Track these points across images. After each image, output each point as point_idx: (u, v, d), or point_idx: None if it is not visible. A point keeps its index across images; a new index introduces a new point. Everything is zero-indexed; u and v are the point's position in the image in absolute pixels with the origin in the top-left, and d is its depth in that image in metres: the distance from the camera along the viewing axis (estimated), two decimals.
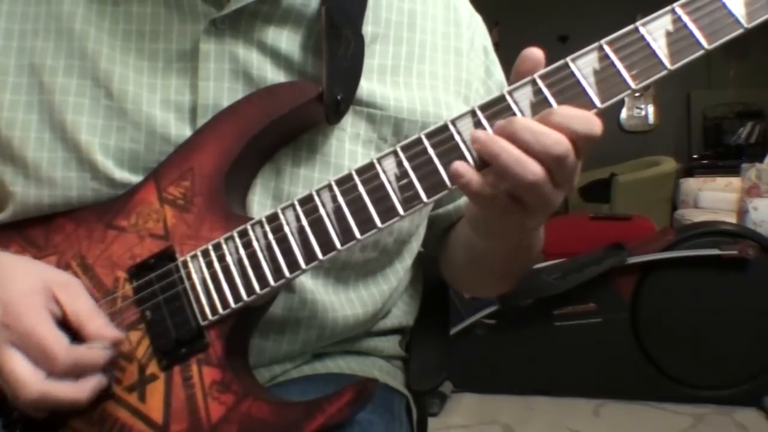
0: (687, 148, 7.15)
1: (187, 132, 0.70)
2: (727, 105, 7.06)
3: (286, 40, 0.72)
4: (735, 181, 5.16)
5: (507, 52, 0.87)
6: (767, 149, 5.94)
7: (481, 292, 0.94)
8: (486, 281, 0.86)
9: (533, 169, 0.55)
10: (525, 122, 0.56)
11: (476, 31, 0.85)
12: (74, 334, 0.62)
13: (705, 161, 6.69)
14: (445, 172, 0.60)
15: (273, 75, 0.71)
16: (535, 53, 0.59)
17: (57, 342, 0.60)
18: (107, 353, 0.62)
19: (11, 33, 0.72)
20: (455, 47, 0.81)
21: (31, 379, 0.59)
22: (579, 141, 0.55)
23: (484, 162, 0.58)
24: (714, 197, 5.29)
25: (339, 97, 0.69)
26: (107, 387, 0.65)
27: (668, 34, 0.59)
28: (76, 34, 0.71)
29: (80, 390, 0.60)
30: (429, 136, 0.61)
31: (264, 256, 0.64)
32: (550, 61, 0.60)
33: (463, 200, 0.84)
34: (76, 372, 0.60)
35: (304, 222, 0.63)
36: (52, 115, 0.70)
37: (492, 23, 0.90)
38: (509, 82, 0.61)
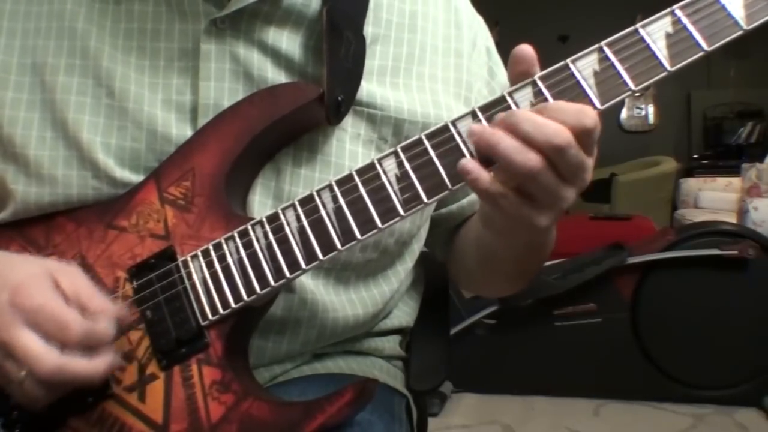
0: (687, 148, 7.15)
1: (188, 132, 0.70)
2: (727, 105, 7.06)
3: (287, 40, 0.72)
4: (735, 181, 5.16)
5: (507, 52, 0.87)
6: (767, 149, 5.94)
7: (492, 291, 0.94)
8: (497, 280, 0.85)
9: (532, 156, 0.55)
10: (526, 114, 0.56)
11: (478, 32, 0.85)
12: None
13: (705, 161, 6.69)
14: (446, 172, 0.60)
15: (273, 75, 0.71)
16: (526, 51, 0.59)
17: (69, 313, 0.59)
18: (112, 329, 0.61)
19: (14, 32, 0.72)
20: (455, 49, 0.81)
21: (46, 353, 0.58)
22: (576, 133, 0.55)
23: (484, 160, 0.58)
24: (714, 197, 5.29)
25: (340, 98, 0.69)
26: (107, 385, 0.65)
27: (668, 35, 0.59)
28: (78, 32, 0.71)
29: (95, 365, 0.60)
30: (429, 136, 0.61)
31: (264, 256, 0.64)
32: (550, 60, 0.60)
33: (467, 200, 0.84)
34: (89, 345, 0.60)
35: (305, 222, 0.63)
36: (53, 114, 0.70)
37: (492, 23, 0.90)
38: (509, 84, 0.61)
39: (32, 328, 0.58)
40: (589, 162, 0.58)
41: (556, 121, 0.55)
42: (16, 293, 0.59)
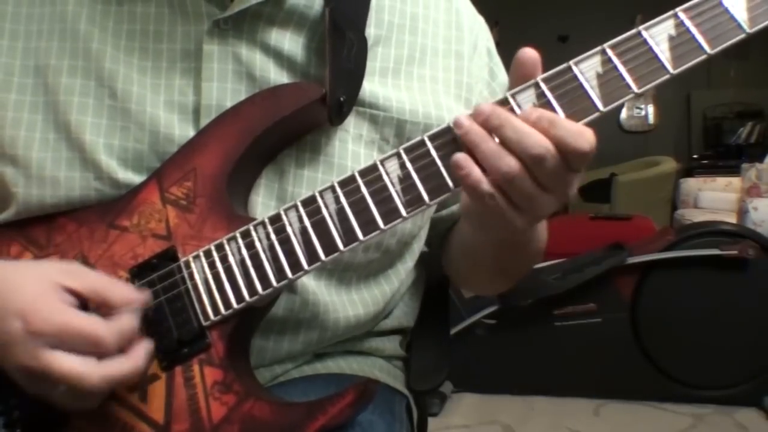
0: (687, 148, 7.15)
1: (190, 133, 0.70)
2: (727, 105, 7.06)
3: (289, 41, 0.72)
4: (735, 181, 5.16)
5: (507, 52, 0.87)
6: (767, 149, 5.93)
7: (477, 287, 0.94)
8: (478, 276, 0.85)
9: (509, 162, 0.56)
10: (510, 118, 0.57)
11: (480, 33, 0.85)
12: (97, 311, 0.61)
13: (705, 161, 6.68)
14: (448, 174, 0.60)
15: (276, 76, 0.71)
16: (530, 54, 0.60)
17: (95, 324, 0.59)
18: (138, 315, 0.61)
19: (16, 34, 0.72)
20: (456, 51, 0.81)
21: (87, 370, 0.57)
22: (567, 153, 0.56)
23: None
24: (714, 197, 5.29)
25: (342, 99, 0.69)
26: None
27: (671, 38, 0.59)
28: (80, 34, 0.71)
29: (135, 360, 0.60)
30: (432, 138, 0.61)
31: (266, 257, 0.64)
32: (550, 60, 0.60)
33: None
34: (123, 344, 0.60)
35: (307, 223, 0.63)
36: (56, 116, 0.70)
37: (492, 23, 0.90)
38: (509, 85, 0.61)
39: (61, 349, 0.58)
40: (574, 178, 0.58)
41: (548, 135, 0.56)
42: (29, 320, 0.58)
